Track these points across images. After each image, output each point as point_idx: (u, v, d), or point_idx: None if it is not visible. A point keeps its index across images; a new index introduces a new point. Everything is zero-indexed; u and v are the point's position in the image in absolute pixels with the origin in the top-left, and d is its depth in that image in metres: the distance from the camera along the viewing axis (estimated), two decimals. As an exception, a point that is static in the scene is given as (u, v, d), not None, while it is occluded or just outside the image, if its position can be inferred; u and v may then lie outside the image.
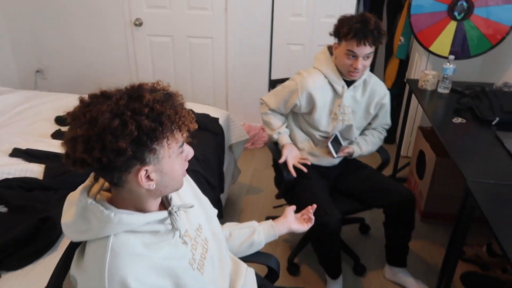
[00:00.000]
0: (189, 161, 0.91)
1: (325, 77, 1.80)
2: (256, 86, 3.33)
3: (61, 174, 1.54)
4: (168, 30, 3.27)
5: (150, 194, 0.84)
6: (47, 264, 1.22)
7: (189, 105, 2.49)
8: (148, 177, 0.80)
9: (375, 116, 1.97)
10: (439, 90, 2.35)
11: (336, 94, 1.82)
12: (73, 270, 0.86)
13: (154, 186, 0.81)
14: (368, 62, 1.73)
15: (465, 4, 2.40)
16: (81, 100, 0.77)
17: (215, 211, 1.16)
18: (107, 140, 0.71)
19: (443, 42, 2.54)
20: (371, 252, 2.24)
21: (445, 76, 2.30)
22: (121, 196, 0.84)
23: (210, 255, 1.01)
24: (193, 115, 0.84)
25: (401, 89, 3.28)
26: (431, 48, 2.59)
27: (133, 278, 0.77)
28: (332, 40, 1.78)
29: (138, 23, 3.25)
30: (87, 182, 0.88)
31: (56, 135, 1.96)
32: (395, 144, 3.24)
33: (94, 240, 0.82)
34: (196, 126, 0.85)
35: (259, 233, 1.26)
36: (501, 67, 2.62)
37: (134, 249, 0.81)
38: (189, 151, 0.89)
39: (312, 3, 3.01)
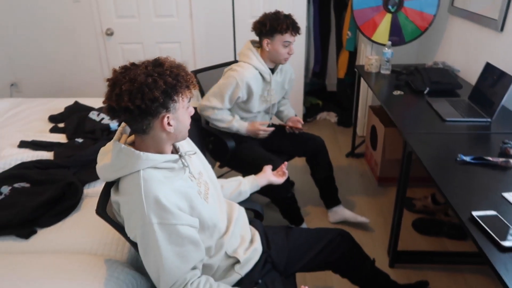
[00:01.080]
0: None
1: (255, 68, 2.11)
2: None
3: (70, 156, 1.79)
4: (138, 38, 3.53)
5: (168, 138, 1.14)
6: (74, 220, 1.48)
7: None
8: (169, 124, 1.10)
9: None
10: (382, 71, 2.78)
11: (265, 81, 2.18)
12: (114, 197, 1.14)
13: (173, 131, 1.12)
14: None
15: (396, -2, 2.85)
16: (117, 70, 1.07)
17: (210, 166, 1.47)
18: (145, 92, 1.02)
19: (382, 32, 2.98)
20: (314, 214, 2.60)
21: (385, 59, 2.73)
22: (145, 143, 1.13)
23: (211, 193, 1.32)
24: (195, 79, 1.15)
25: (353, 78, 3.71)
26: (373, 38, 3.02)
27: (162, 195, 1.07)
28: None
29: (110, 33, 3.49)
30: (115, 137, 1.17)
31: (54, 130, 2.19)
32: (351, 127, 3.66)
33: (127, 175, 1.11)
34: (197, 87, 1.17)
35: (244, 184, 1.58)
36: (432, 50, 3.10)
37: (159, 177, 1.11)
38: (191, 109, 1.20)
39: (268, 5, 3.37)
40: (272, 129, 2.28)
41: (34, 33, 3.53)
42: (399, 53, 3.19)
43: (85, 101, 2.57)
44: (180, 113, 1.12)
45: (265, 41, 2.09)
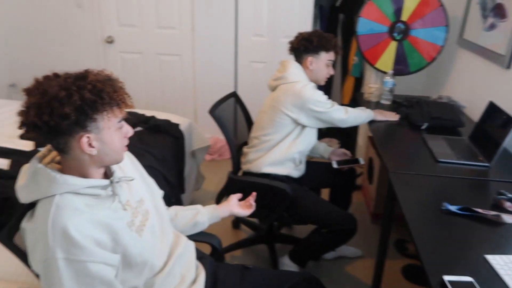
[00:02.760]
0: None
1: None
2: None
3: (26, 166, 1.68)
4: (138, 47, 3.47)
5: (92, 161, 1.01)
6: None
7: (152, 112, 2.64)
8: (90, 145, 0.97)
9: None
10: (382, 101, 2.61)
11: None
12: (24, 223, 1.00)
13: (96, 153, 0.98)
14: None
15: (402, 26, 2.70)
16: (36, 79, 0.95)
17: (161, 192, 1.32)
18: (55, 107, 0.89)
19: (387, 60, 2.82)
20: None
21: (387, 89, 2.57)
22: (67, 164, 1.01)
23: (151, 224, 1.17)
24: (130, 97, 1.02)
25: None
26: (376, 65, 2.87)
27: (73, 228, 0.93)
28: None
29: (110, 40, 3.44)
30: (39, 154, 1.04)
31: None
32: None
33: (43, 199, 0.98)
34: (133, 107, 1.04)
35: (202, 214, 1.43)
36: (439, 83, 2.92)
37: (76, 205, 0.97)
38: (128, 129, 1.06)
39: (272, 24, 3.27)
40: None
41: (36, 36, 3.52)
42: (404, 83, 3.01)
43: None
44: (105, 134, 0.99)
45: (309, 59, 1.97)
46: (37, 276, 0.98)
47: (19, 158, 1.77)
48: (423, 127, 2.15)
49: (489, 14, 2.28)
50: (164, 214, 1.27)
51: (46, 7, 3.40)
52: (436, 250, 1.20)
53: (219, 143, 3.53)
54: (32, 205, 1.04)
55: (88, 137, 0.95)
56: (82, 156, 0.98)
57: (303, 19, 3.23)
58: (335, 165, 2.16)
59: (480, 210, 1.37)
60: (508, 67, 2.02)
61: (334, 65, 2.11)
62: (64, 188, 0.96)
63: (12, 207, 1.39)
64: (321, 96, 1.94)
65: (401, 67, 2.82)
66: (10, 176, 1.61)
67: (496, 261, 1.14)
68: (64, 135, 0.93)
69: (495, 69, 2.16)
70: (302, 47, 1.96)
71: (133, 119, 2.27)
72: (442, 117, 2.16)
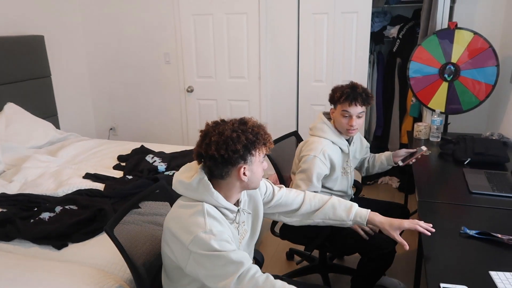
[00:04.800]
0: None
1: (331, 141, 2.05)
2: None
3: (115, 188, 2.14)
4: (213, 95, 4.00)
5: (241, 186, 1.32)
6: (100, 240, 1.77)
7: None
8: (244, 174, 1.28)
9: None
10: (431, 139, 2.71)
11: (343, 153, 2.12)
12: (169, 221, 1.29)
13: (246, 180, 1.30)
14: (361, 121, 2.04)
15: (452, 67, 2.83)
16: (209, 124, 1.30)
17: (261, 217, 1.56)
18: (230, 144, 1.22)
19: (439, 100, 2.94)
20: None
21: (435, 126, 2.68)
22: (219, 186, 1.30)
23: (245, 241, 1.46)
24: (271, 138, 1.34)
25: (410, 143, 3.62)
26: (429, 105, 2.99)
27: (216, 229, 1.23)
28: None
29: (190, 90, 4.03)
30: (201, 165, 1.32)
31: (116, 167, 2.62)
32: (414, 194, 3.51)
33: (189, 200, 1.29)
34: (273, 146, 1.36)
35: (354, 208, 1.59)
36: (494, 121, 2.94)
37: (215, 215, 1.28)
38: (265, 163, 1.39)
39: (331, 70, 3.58)
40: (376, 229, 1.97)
41: (132, 87, 4.24)
42: (460, 121, 3.08)
43: (151, 145, 3.00)
44: (255, 166, 1.30)
45: (331, 110, 2.08)
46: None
47: (111, 182, 2.26)
48: (466, 162, 2.23)
49: (535, 53, 2.34)
50: (255, 235, 1.52)
51: (142, 64, 4.12)
52: (442, 263, 1.33)
53: (272, 179, 3.81)
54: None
55: (244, 167, 1.28)
56: (235, 181, 1.30)
57: (359, 65, 3.50)
58: (401, 164, 2.23)
59: (499, 235, 1.47)
60: (551, 103, 2.06)
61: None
62: (212, 200, 1.28)
63: (105, 216, 1.82)
64: (316, 164, 1.97)
65: (455, 106, 2.91)
66: (104, 195, 2.09)
67: (498, 276, 1.24)
68: (230, 165, 1.25)
69: (541, 105, 2.20)
70: (329, 100, 2.10)
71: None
72: (485, 153, 2.22)
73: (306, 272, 2.58)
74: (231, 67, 3.86)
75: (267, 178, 1.67)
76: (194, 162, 1.35)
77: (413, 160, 2.22)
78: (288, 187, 2.32)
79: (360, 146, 2.28)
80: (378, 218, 1.55)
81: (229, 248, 1.22)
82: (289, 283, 1.28)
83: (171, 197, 1.61)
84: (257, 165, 1.31)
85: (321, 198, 1.63)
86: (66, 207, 1.95)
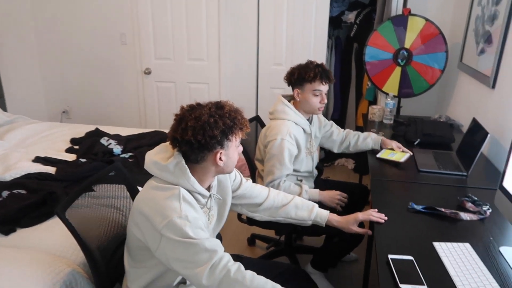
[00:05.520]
0: None
1: (295, 123, 2.06)
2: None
3: (67, 172, 2.07)
4: (171, 77, 3.92)
5: (216, 171, 1.31)
6: (51, 224, 1.71)
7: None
8: (220, 159, 1.27)
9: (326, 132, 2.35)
10: (384, 121, 2.82)
11: (306, 133, 2.14)
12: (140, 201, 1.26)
13: (222, 165, 1.28)
14: (326, 98, 2.09)
15: (405, 53, 2.93)
16: (184, 107, 1.27)
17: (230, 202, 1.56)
18: (207, 129, 1.20)
19: (393, 84, 3.04)
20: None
21: (388, 109, 2.78)
22: (192, 170, 1.27)
23: (212, 227, 1.45)
24: (248, 122, 1.33)
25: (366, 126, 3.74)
26: (384, 89, 3.09)
27: (191, 215, 1.21)
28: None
29: (148, 72, 3.92)
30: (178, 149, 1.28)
31: (69, 150, 2.52)
32: (368, 175, 3.64)
33: (164, 182, 1.25)
34: (249, 130, 1.34)
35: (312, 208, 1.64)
36: (442, 104, 3.09)
37: (190, 200, 1.26)
38: (241, 147, 1.37)
39: (290, 54, 3.61)
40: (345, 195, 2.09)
41: (86, 69, 4.07)
42: (412, 105, 3.22)
43: (106, 128, 2.90)
44: (231, 150, 1.30)
45: (296, 91, 2.05)
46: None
47: (63, 166, 2.18)
48: (416, 142, 2.34)
49: (480, 40, 2.47)
50: (222, 222, 1.52)
51: (95, 45, 3.95)
52: (390, 237, 1.40)
53: (240, 161, 3.83)
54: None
55: (221, 152, 1.26)
56: (210, 166, 1.29)
57: (318, 49, 3.54)
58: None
59: (442, 209, 1.56)
60: (492, 87, 2.19)
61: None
62: (188, 186, 1.26)
63: (56, 200, 1.75)
64: (285, 146, 1.97)
65: (407, 90, 3.03)
66: (55, 178, 2.01)
67: (441, 246, 1.33)
68: (207, 151, 1.24)
69: (484, 89, 2.34)
70: (288, 81, 2.09)
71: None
72: (434, 134, 2.34)
73: (273, 256, 2.57)
74: (190, 48, 3.78)
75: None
76: (169, 145, 1.32)
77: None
78: (255, 175, 2.33)
79: (318, 125, 2.31)
80: (336, 218, 1.63)
81: (203, 235, 1.21)
82: (260, 265, 1.29)
83: (127, 180, 1.58)
84: (233, 149, 1.30)
85: (284, 196, 1.67)
86: (14, 191, 1.86)
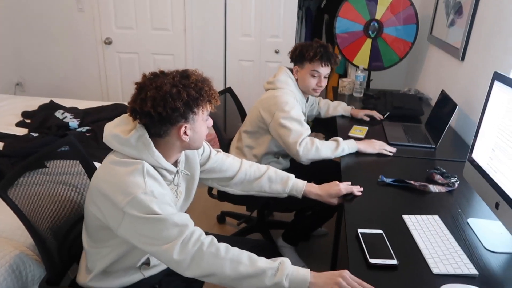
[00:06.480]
0: None
1: (294, 97, 1.96)
2: (220, 98, 3.74)
3: (15, 147, 1.90)
4: (134, 48, 3.70)
5: (181, 146, 1.19)
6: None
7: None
8: (185, 133, 1.15)
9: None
10: (354, 94, 2.78)
11: (302, 112, 2.00)
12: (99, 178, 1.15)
13: (188, 140, 1.17)
14: (326, 81, 2.00)
15: (376, 24, 2.87)
16: (146, 76, 1.14)
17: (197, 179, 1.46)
18: (168, 101, 1.07)
19: (363, 56, 2.99)
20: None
21: (358, 82, 2.73)
22: (157, 144, 1.16)
23: (180, 204, 1.36)
24: (218, 94, 1.21)
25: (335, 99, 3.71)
26: (354, 62, 3.03)
27: (157, 191, 1.11)
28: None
29: (108, 42, 3.68)
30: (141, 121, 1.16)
31: (20, 124, 2.33)
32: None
33: (125, 156, 1.14)
34: (219, 103, 1.22)
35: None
36: (412, 77, 3.08)
37: (155, 175, 1.15)
38: (210, 121, 1.25)
39: (258, 25, 3.47)
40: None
41: (41, 38, 3.78)
42: (382, 78, 3.19)
43: (62, 101, 2.71)
44: (198, 125, 1.18)
45: (295, 68, 1.99)
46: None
47: (12, 141, 2.00)
48: (385, 115, 2.31)
49: (451, 12, 2.43)
50: (190, 199, 1.43)
51: (50, 11, 3.66)
52: (359, 211, 1.36)
53: (209, 136, 3.73)
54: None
55: (185, 126, 1.14)
56: (175, 141, 1.17)
57: (288, 20, 3.42)
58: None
59: (412, 182, 1.54)
60: (462, 59, 2.17)
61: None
62: (151, 160, 1.15)
63: (2, 178, 1.59)
64: (292, 109, 1.87)
65: (377, 63, 2.99)
66: (2, 154, 1.84)
67: (410, 219, 1.30)
68: (169, 124, 1.12)
69: (453, 61, 2.32)
70: (290, 56, 2.01)
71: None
72: (403, 107, 2.32)
73: (246, 233, 2.50)
74: (153, 17, 3.57)
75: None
76: (129, 117, 1.19)
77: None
78: (229, 150, 2.22)
79: (311, 105, 2.31)
80: (315, 191, 1.54)
81: (171, 211, 1.12)
82: (230, 242, 1.22)
83: (82, 155, 1.45)
84: (200, 123, 1.18)
85: (257, 168, 1.58)
86: (-45, 168, 1.69)
